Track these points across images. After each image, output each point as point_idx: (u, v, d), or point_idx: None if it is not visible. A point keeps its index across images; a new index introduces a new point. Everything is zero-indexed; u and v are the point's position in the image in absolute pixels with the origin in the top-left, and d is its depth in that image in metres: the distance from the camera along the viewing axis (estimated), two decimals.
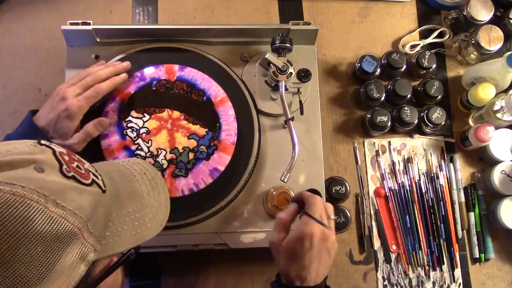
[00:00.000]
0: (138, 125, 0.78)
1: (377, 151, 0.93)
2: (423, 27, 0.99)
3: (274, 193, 0.78)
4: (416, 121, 0.89)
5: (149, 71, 0.80)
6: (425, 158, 0.94)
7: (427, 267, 0.89)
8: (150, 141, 0.77)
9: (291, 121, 0.77)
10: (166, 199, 0.52)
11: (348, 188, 0.87)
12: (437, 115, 0.89)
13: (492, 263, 0.91)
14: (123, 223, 0.44)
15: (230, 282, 0.86)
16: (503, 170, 0.89)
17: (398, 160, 0.93)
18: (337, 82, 0.96)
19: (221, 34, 0.84)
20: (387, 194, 0.91)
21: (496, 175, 0.89)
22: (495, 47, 0.91)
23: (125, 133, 0.77)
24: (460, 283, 0.89)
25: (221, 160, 0.77)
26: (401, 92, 0.89)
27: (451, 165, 0.93)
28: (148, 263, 0.85)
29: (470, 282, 0.90)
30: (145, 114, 0.78)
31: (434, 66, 0.92)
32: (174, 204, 0.69)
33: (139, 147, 0.77)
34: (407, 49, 0.97)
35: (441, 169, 0.93)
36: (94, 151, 0.75)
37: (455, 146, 0.95)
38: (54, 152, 0.40)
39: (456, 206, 0.91)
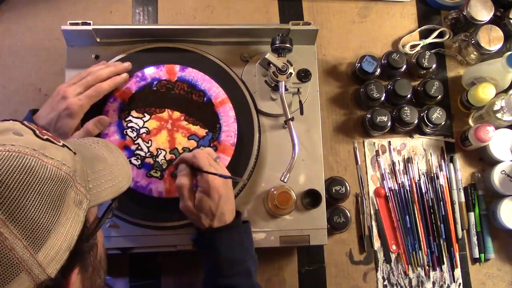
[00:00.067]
0: (138, 125, 0.78)
1: (377, 151, 0.93)
2: (423, 27, 0.99)
3: (275, 192, 0.78)
4: (416, 121, 0.89)
5: (150, 71, 0.80)
6: (425, 158, 0.94)
7: (427, 267, 0.89)
8: (150, 141, 0.77)
9: (291, 121, 0.77)
10: (124, 159, 0.56)
11: (348, 188, 0.87)
12: (437, 115, 0.89)
13: (492, 263, 0.91)
14: (98, 178, 0.48)
15: None
16: (503, 170, 0.89)
17: (398, 160, 0.93)
18: (337, 82, 0.96)
19: (221, 34, 0.84)
20: (387, 194, 0.91)
21: (496, 175, 0.89)
22: (495, 47, 0.91)
23: (125, 132, 0.77)
24: (460, 283, 0.89)
25: (221, 161, 0.76)
26: (401, 92, 0.89)
27: (451, 165, 0.93)
28: (148, 263, 0.85)
29: (470, 282, 0.90)
30: (145, 114, 0.78)
31: (434, 66, 0.92)
32: (174, 204, 0.70)
33: (139, 147, 0.77)
34: (407, 49, 0.97)
35: (441, 169, 0.93)
36: None
37: (455, 146, 0.95)
38: (22, 123, 0.44)
39: (456, 206, 0.91)
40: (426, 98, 0.91)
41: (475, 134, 0.88)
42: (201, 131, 0.78)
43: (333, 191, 0.86)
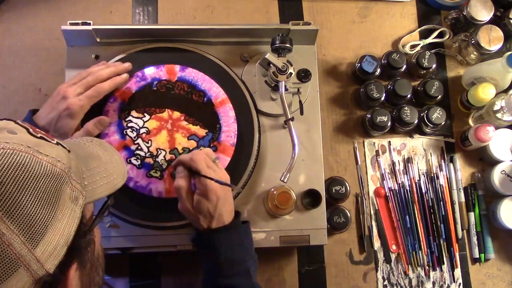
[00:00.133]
0: (138, 125, 0.78)
1: (377, 151, 0.93)
2: (423, 27, 0.99)
3: (275, 192, 0.78)
4: (416, 121, 0.89)
5: (150, 71, 0.80)
6: (425, 158, 0.94)
7: (427, 267, 0.89)
8: (150, 141, 0.77)
9: (291, 121, 0.77)
10: (119, 157, 0.56)
11: (348, 188, 0.87)
12: (437, 115, 0.89)
13: (492, 263, 0.91)
14: (93, 175, 0.48)
15: None
16: (503, 170, 0.89)
17: (398, 160, 0.93)
18: (337, 82, 0.96)
19: (221, 34, 0.84)
20: (387, 194, 0.91)
21: (496, 175, 0.89)
22: (495, 47, 0.91)
23: (125, 132, 0.77)
24: (460, 283, 0.89)
25: (221, 161, 0.76)
26: (401, 92, 0.89)
27: (451, 165, 0.93)
28: (148, 263, 0.85)
29: (470, 282, 0.90)
30: (145, 114, 0.78)
31: (434, 66, 0.92)
32: (174, 204, 0.70)
33: (139, 147, 0.77)
34: (407, 49, 0.97)
35: (441, 169, 0.93)
36: None
37: (455, 146, 0.95)
38: (16, 122, 0.44)
39: (456, 206, 0.91)
40: (426, 98, 0.91)
41: (475, 134, 0.88)
42: (201, 131, 0.78)
43: (333, 191, 0.86)
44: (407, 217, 0.90)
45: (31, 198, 0.37)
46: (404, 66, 0.92)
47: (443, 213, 0.90)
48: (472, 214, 0.91)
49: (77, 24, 0.81)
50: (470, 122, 0.95)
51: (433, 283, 0.89)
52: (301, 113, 0.82)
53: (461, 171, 0.93)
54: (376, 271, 0.89)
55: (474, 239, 0.90)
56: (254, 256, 0.70)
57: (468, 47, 0.94)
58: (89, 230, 0.47)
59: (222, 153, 0.77)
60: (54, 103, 0.72)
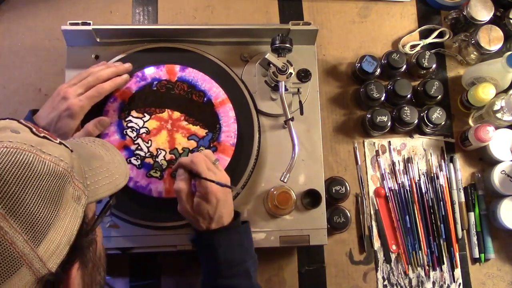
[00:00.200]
0: (138, 125, 0.78)
1: (377, 151, 0.93)
2: (423, 27, 0.99)
3: (275, 192, 0.78)
4: (416, 121, 0.89)
5: (150, 71, 0.80)
6: (425, 158, 0.94)
7: (427, 267, 0.89)
8: (150, 141, 0.77)
9: (291, 121, 0.77)
10: (121, 157, 0.57)
11: (348, 188, 0.87)
12: (437, 115, 0.89)
13: (492, 263, 0.91)
14: (95, 175, 0.48)
15: None
16: (503, 170, 0.89)
17: (398, 160, 0.93)
18: (337, 82, 0.96)
19: (221, 34, 0.84)
20: (387, 194, 0.91)
21: (496, 175, 0.89)
22: (495, 47, 0.91)
23: (125, 132, 0.77)
24: (460, 283, 0.89)
25: (221, 162, 0.76)
26: (401, 92, 0.89)
27: (451, 165, 0.93)
28: (148, 263, 0.85)
29: (470, 282, 0.90)
30: (145, 114, 0.78)
31: (434, 66, 0.92)
32: (174, 204, 0.70)
33: (139, 147, 0.77)
34: (407, 49, 0.97)
35: (441, 169, 0.93)
36: None
37: (455, 146, 0.95)
38: (19, 121, 0.44)
39: (456, 206, 0.91)
40: (426, 98, 0.91)
41: (475, 134, 0.88)
42: (201, 131, 0.78)
43: (333, 191, 0.86)
44: (407, 217, 0.90)
45: (34, 197, 0.37)
46: (404, 66, 0.92)
47: (443, 213, 0.90)
48: (472, 214, 0.91)
49: (77, 24, 0.81)
50: (470, 122, 0.95)
51: (433, 283, 0.89)
52: (301, 113, 0.82)
53: (461, 171, 0.93)
54: (376, 271, 0.89)
55: (474, 239, 0.90)
56: (254, 256, 0.70)
57: (468, 47, 0.94)
58: (91, 230, 0.47)
59: (222, 153, 0.77)
60: (55, 103, 0.72)
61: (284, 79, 0.79)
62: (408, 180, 0.92)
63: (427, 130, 0.92)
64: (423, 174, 0.92)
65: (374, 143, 0.94)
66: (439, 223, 0.90)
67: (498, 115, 0.88)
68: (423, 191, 0.91)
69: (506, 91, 0.92)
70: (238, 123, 0.79)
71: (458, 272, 0.89)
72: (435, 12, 1.01)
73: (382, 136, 0.94)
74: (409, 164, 0.92)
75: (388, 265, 0.89)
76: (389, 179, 0.92)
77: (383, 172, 0.92)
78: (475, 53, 0.94)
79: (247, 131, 0.80)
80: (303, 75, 0.83)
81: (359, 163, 0.92)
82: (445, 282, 0.89)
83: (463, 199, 0.92)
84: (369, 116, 0.90)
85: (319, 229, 0.80)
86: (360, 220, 0.90)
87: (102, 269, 0.53)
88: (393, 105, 0.93)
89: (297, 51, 0.83)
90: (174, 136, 0.78)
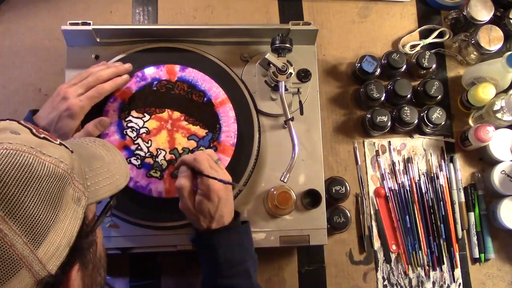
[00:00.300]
0: (138, 125, 0.78)
1: (377, 151, 0.93)
2: (423, 27, 0.99)
3: (275, 192, 0.78)
4: (416, 121, 0.89)
5: (150, 71, 0.80)
6: (425, 158, 0.94)
7: (427, 267, 0.89)
8: (150, 141, 0.77)
9: (291, 121, 0.77)
10: (122, 157, 0.57)
11: (348, 188, 0.87)
12: (437, 115, 0.89)
13: (492, 263, 0.91)
14: (96, 176, 0.48)
15: None
16: (503, 170, 0.89)
17: (398, 160, 0.93)
18: (337, 82, 0.96)
19: (221, 34, 0.84)
20: (387, 194, 0.91)
21: (496, 175, 0.89)
22: (495, 47, 0.91)
23: (125, 132, 0.77)
24: (460, 283, 0.89)
25: (221, 162, 0.76)
26: (401, 92, 0.89)
27: (451, 165, 0.93)
28: (148, 263, 0.85)
29: (470, 282, 0.90)
30: (145, 114, 0.78)
31: (434, 66, 0.92)
32: (174, 204, 0.70)
33: (139, 147, 0.77)
34: (407, 49, 0.97)
35: (441, 169, 0.93)
36: None
37: (455, 146, 0.95)
38: (19, 122, 0.44)
39: (456, 206, 0.91)
40: (426, 98, 0.91)
41: (475, 134, 0.88)
42: (201, 131, 0.78)
43: (333, 191, 0.86)
44: (407, 217, 0.90)
45: (34, 199, 0.37)
46: (404, 66, 0.92)
47: (443, 213, 0.90)
48: (472, 214, 0.91)
49: (77, 24, 0.81)
50: (470, 122, 0.95)
51: (433, 283, 0.89)
52: (301, 113, 0.82)
53: (461, 171, 0.93)
54: (376, 271, 0.89)
55: (474, 239, 0.90)
56: (254, 256, 0.70)
57: (468, 47, 0.94)
58: (92, 231, 0.47)
59: (222, 153, 0.78)
60: (55, 103, 0.72)
61: (284, 79, 0.79)
62: (408, 180, 0.92)
63: (427, 130, 0.92)
64: (423, 174, 0.92)
65: (374, 143, 0.94)
66: (439, 223, 0.90)
67: (498, 115, 0.88)
68: (423, 191, 0.91)
69: (506, 91, 0.92)
70: (238, 123, 0.79)
71: (458, 272, 0.89)
72: (435, 12, 1.01)
73: (382, 136, 0.94)
74: (409, 164, 0.92)
75: (388, 265, 0.89)
76: (389, 179, 0.92)
77: (383, 172, 0.92)
78: (475, 53, 0.94)
79: (247, 131, 0.80)
80: (303, 75, 0.83)
81: (359, 163, 0.92)
82: (445, 282, 0.89)
83: (463, 199, 0.92)
84: (369, 116, 0.90)
85: (319, 229, 0.80)
86: (360, 220, 0.90)
87: (103, 270, 0.53)
88: (393, 105, 0.93)
89: (297, 51, 0.83)
90: (174, 136, 0.78)
